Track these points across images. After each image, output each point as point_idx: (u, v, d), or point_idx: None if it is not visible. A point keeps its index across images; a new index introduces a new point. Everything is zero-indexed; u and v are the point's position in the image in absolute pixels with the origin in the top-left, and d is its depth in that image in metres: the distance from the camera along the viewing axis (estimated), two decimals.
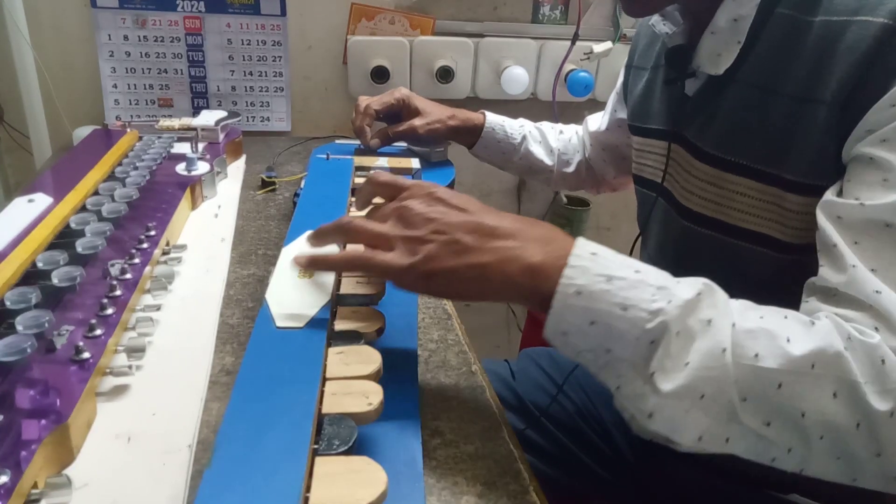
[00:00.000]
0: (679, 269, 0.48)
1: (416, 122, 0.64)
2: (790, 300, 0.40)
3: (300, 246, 0.42)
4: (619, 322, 0.27)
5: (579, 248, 0.29)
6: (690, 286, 0.29)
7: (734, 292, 0.43)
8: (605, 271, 0.28)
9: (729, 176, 0.41)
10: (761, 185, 0.39)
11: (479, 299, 0.30)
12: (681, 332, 0.27)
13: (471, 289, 0.30)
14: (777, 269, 0.40)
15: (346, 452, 0.26)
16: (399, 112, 0.66)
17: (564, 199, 1.04)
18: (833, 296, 0.31)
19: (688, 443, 0.28)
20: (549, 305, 0.28)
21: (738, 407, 0.27)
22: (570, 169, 0.70)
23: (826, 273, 0.32)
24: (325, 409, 0.28)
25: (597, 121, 0.67)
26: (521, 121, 0.70)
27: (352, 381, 0.29)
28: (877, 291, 0.28)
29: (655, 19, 0.47)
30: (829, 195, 0.34)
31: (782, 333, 0.28)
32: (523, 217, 0.32)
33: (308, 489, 0.24)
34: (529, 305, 0.30)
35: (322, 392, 0.28)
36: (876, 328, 0.28)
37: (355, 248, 0.34)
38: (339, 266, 0.36)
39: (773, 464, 0.28)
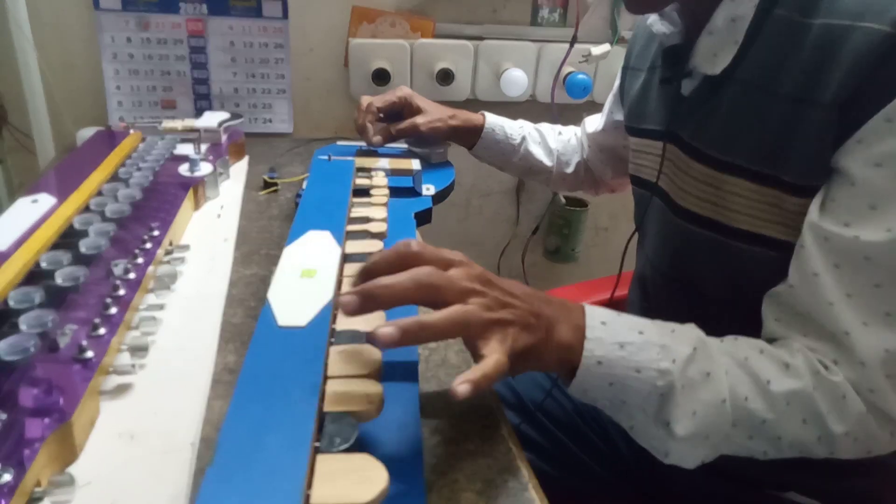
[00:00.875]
0: (675, 267, 0.49)
1: (419, 119, 0.64)
2: None
3: (303, 246, 0.42)
4: (633, 382, 0.32)
5: (591, 319, 0.33)
6: (687, 341, 0.34)
7: (728, 291, 0.43)
8: (618, 338, 0.33)
9: (725, 177, 0.41)
10: (759, 186, 0.39)
11: (530, 371, 0.33)
12: (685, 385, 0.33)
13: (528, 364, 0.32)
14: (773, 269, 0.40)
15: (348, 450, 0.26)
16: (401, 111, 0.66)
17: (563, 200, 1.04)
18: (804, 322, 0.36)
19: (690, 467, 0.35)
20: (571, 372, 0.33)
21: (730, 432, 0.34)
22: (569, 170, 0.70)
23: (801, 296, 0.36)
24: (326, 408, 0.28)
25: (595, 122, 0.68)
26: (521, 122, 0.70)
27: (353, 379, 0.29)
28: (846, 332, 0.34)
29: (653, 19, 0.47)
30: (815, 215, 0.35)
31: (763, 377, 0.34)
32: (536, 290, 0.34)
33: (309, 487, 0.24)
34: (557, 371, 0.34)
35: (323, 390, 0.29)
36: (835, 361, 0.34)
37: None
38: (447, 335, 0.31)
39: (748, 456, 0.36)
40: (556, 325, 0.33)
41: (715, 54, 0.41)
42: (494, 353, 0.29)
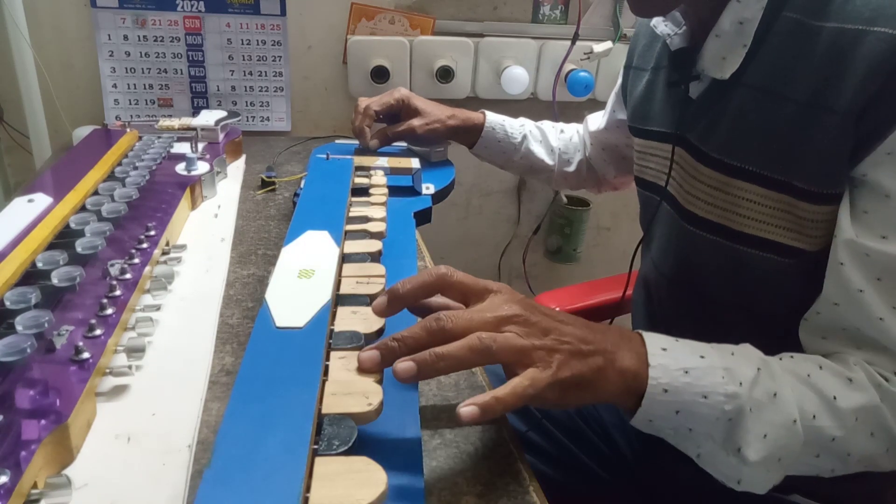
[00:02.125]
0: (681, 272, 0.48)
1: (415, 122, 0.64)
2: (791, 305, 0.40)
3: (301, 246, 0.42)
4: (701, 408, 0.31)
5: (651, 346, 0.32)
6: (749, 362, 0.33)
7: (735, 296, 0.43)
8: (682, 364, 0.32)
9: (735, 181, 0.40)
10: (770, 191, 0.38)
11: (588, 402, 0.32)
12: (753, 408, 0.32)
13: (582, 395, 0.31)
14: (782, 275, 0.40)
15: (346, 452, 0.26)
16: (398, 112, 0.66)
17: (564, 200, 1.04)
18: (856, 337, 0.35)
19: (762, 492, 0.34)
20: (636, 402, 0.32)
21: (800, 452, 0.33)
22: (571, 168, 0.70)
23: (848, 313, 0.35)
24: (324, 410, 0.27)
25: (597, 120, 0.67)
26: (522, 120, 0.70)
27: (352, 381, 0.29)
28: None
29: (656, 20, 0.46)
30: (850, 231, 0.35)
31: (829, 393, 0.33)
32: (586, 320, 0.33)
33: (308, 489, 0.24)
34: (618, 402, 0.32)
35: (322, 392, 0.28)
36: (895, 372, 0.34)
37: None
38: (468, 364, 0.29)
39: (813, 475, 0.35)
40: (617, 353, 0.31)
41: (723, 58, 0.40)
42: (521, 379, 0.28)
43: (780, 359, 0.35)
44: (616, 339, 0.32)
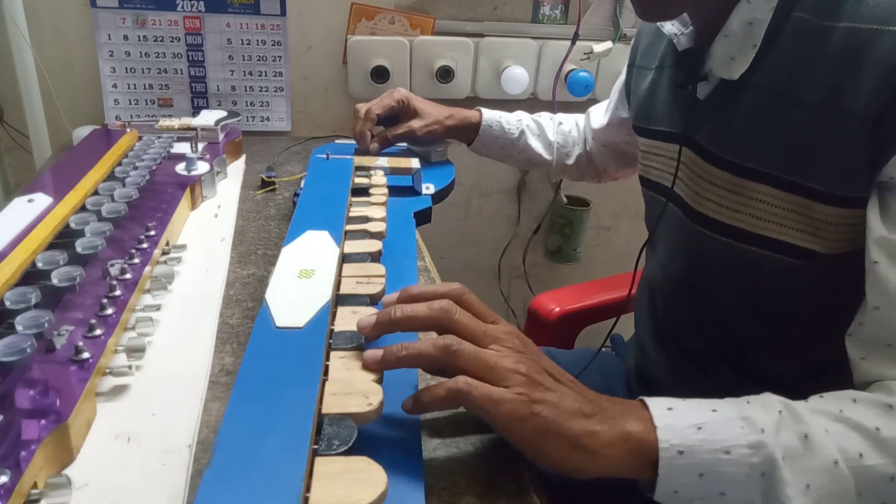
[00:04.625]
0: (689, 274, 0.48)
1: (415, 124, 0.64)
2: (800, 308, 0.39)
3: (301, 246, 0.42)
4: (726, 466, 0.28)
5: (654, 408, 0.30)
6: (768, 408, 0.30)
7: (744, 299, 0.42)
8: (692, 421, 0.29)
9: (747, 182, 0.40)
10: (784, 192, 0.38)
11: (579, 468, 0.29)
12: (785, 456, 0.28)
13: (576, 458, 0.29)
14: (793, 278, 0.39)
15: (346, 452, 0.26)
16: (398, 113, 0.66)
17: (564, 199, 1.04)
18: (887, 348, 0.32)
19: None
20: (652, 472, 0.29)
21: (856, 501, 0.29)
22: (570, 161, 0.70)
23: (890, 316, 0.32)
24: (324, 410, 0.27)
25: (599, 115, 0.67)
26: (519, 114, 0.70)
27: (352, 381, 0.29)
28: None
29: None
30: (882, 230, 0.33)
31: (870, 425, 0.29)
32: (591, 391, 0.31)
33: (308, 489, 0.24)
34: (629, 476, 0.30)
35: (322, 392, 0.28)
36: None
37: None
38: (430, 361, 0.29)
39: None
40: (620, 418, 0.29)
41: (732, 58, 0.40)
42: (477, 385, 0.27)
43: (807, 401, 0.32)
44: (617, 404, 0.30)
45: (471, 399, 0.28)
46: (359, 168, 0.59)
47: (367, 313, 0.34)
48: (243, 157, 0.72)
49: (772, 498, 0.28)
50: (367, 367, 0.30)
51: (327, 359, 0.31)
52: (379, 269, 0.39)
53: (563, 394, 0.29)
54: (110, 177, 0.54)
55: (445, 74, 0.89)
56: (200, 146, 0.64)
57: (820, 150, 0.36)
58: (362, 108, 0.64)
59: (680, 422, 0.29)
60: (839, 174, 0.35)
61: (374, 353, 0.30)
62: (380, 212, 0.49)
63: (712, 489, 0.28)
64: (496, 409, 0.28)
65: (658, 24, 0.48)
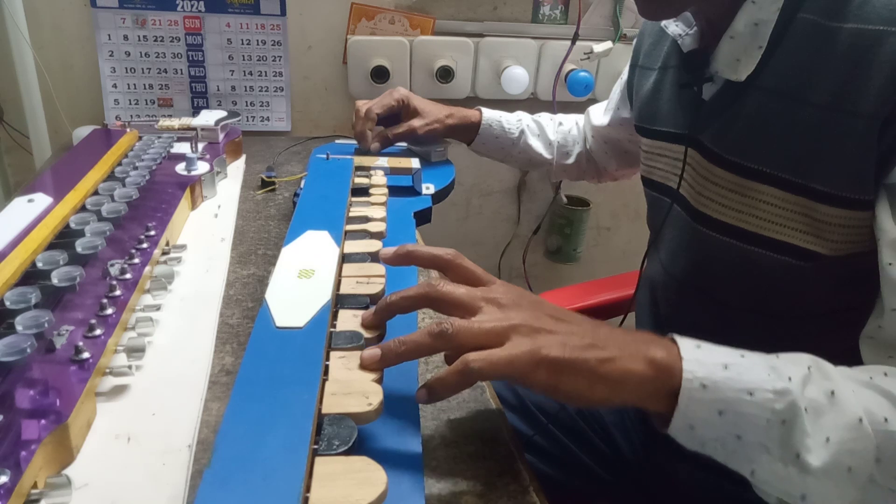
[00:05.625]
0: (692, 274, 0.48)
1: (416, 122, 0.64)
2: (803, 309, 0.39)
3: (301, 246, 0.42)
4: (748, 407, 0.28)
5: (683, 343, 0.29)
6: (798, 362, 0.29)
7: (747, 300, 0.42)
8: (720, 360, 0.29)
9: (751, 183, 0.40)
10: (788, 194, 0.38)
11: (595, 401, 0.28)
12: (808, 408, 0.28)
13: (596, 389, 0.28)
14: (797, 279, 0.39)
15: (346, 452, 0.26)
16: (398, 113, 0.66)
17: (564, 200, 1.04)
18: None
19: None
20: (671, 403, 0.28)
21: (874, 470, 0.28)
22: (570, 161, 0.70)
23: None
24: (324, 409, 0.27)
25: (599, 114, 0.67)
26: (519, 114, 0.70)
27: (352, 381, 0.29)
28: None
29: (667, 20, 0.46)
30: (894, 231, 0.33)
31: None
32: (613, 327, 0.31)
33: (308, 489, 0.24)
34: (649, 404, 0.29)
35: (322, 392, 0.28)
36: None
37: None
38: (427, 350, 0.29)
39: None
40: (645, 347, 0.29)
41: (738, 59, 0.40)
42: (476, 355, 0.27)
43: (837, 367, 0.31)
44: (646, 336, 0.30)
45: (482, 374, 0.27)
46: (359, 168, 0.59)
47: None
48: (243, 157, 0.72)
49: (789, 446, 0.27)
50: (365, 367, 0.30)
51: (327, 359, 0.31)
52: (379, 269, 0.39)
53: (568, 331, 0.29)
54: (110, 177, 0.54)
55: (445, 74, 0.89)
56: (200, 146, 0.64)
57: (826, 152, 0.36)
58: (362, 107, 0.64)
59: (707, 358, 0.28)
60: (845, 176, 0.35)
61: (372, 353, 0.30)
62: (380, 212, 0.49)
63: (730, 430, 0.28)
64: (508, 370, 0.27)
65: (662, 24, 0.48)
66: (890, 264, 0.33)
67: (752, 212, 0.40)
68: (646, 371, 0.28)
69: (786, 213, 0.38)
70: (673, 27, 0.46)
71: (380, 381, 0.29)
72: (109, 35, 0.81)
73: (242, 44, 0.84)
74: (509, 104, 0.92)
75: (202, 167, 0.58)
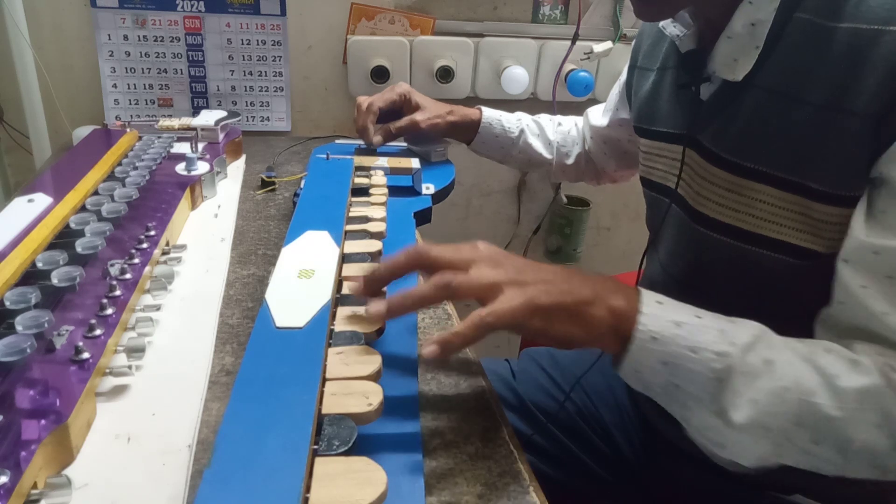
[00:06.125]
0: (691, 274, 0.48)
1: (418, 116, 0.64)
2: (802, 308, 0.39)
3: (301, 246, 0.42)
4: (689, 363, 0.31)
5: (646, 297, 0.33)
6: (748, 329, 0.33)
7: (746, 299, 0.43)
8: (674, 317, 0.32)
9: (748, 182, 0.40)
10: (784, 193, 0.38)
11: (579, 339, 0.32)
12: (745, 372, 0.31)
13: (571, 326, 0.32)
14: (794, 278, 0.39)
15: (346, 453, 0.26)
16: (400, 109, 0.66)
17: (564, 199, 1.04)
18: (865, 335, 0.34)
19: (750, 464, 0.33)
20: (625, 347, 0.32)
21: (793, 432, 0.31)
22: (570, 161, 0.70)
23: (853, 311, 0.34)
24: (325, 410, 0.27)
25: (598, 115, 0.67)
26: (519, 114, 0.70)
27: (352, 381, 0.29)
28: None
29: (665, 21, 0.46)
30: (862, 232, 0.34)
31: (832, 371, 0.32)
32: (582, 270, 0.35)
33: (308, 489, 0.24)
34: (605, 346, 0.33)
35: (322, 392, 0.28)
36: None
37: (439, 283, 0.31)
38: (431, 301, 0.32)
39: (814, 470, 0.33)
40: (609, 294, 0.32)
41: (735, 60, 0.40)
42: (481, 309, 0.30)
43: (788, 339, 0.34)
44: (611, 284, 0.33)
45: (492, 326, 0.30)
46: (359, 168, 0.59)
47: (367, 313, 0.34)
48: (243, 157, 0.72)
49: (719, 401, 0.31)
50: (372, 320, 0.31)
51: (327, 359, 0.31)
52: None
53: (549, 279, 0.32)
54: (110, 177, 0.54)
55: (445, 74, 0.89)
56: (200, 146, 0.64)
57: (822, 150, 0.36)
58: (364, 101, 0.64)
59: (664, 314, 0.32)
60: (840, 174, 0.35)
61: (378, 308, 0.31)
62: (380, 212, 0.49)
63: (671, 379, 0.31)
64: (512, 321, 0.30)
65: (660, 25, 0.48)
66: (845, 261, 0.35)
67: (750, 211, 0.40)
68: (606, 317, 0.32)
69: (783, 211, 0.38)
70: (671, 28, 0.46)
71: (378, 376, 0.29)
72: (109, 35, 0.81)
73: (242, 44, 0.84)
74: (509, 104, 0.92)
75: (202, 167, 0.58)
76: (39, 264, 0.38)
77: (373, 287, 0.33)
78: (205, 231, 0.53)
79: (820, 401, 0.31)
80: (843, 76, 0.35)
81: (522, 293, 0.31)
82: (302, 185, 0.55)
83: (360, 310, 0.35)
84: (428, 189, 0.58)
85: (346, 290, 0.37)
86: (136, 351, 0.34)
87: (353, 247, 0.42)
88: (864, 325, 0.34)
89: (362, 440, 0.27)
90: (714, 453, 0.32)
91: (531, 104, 0.94)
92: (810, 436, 0.31)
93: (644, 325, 0.31)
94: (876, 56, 0.33)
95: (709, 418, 0.32)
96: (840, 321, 0.36)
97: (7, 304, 0.34)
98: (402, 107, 0.65)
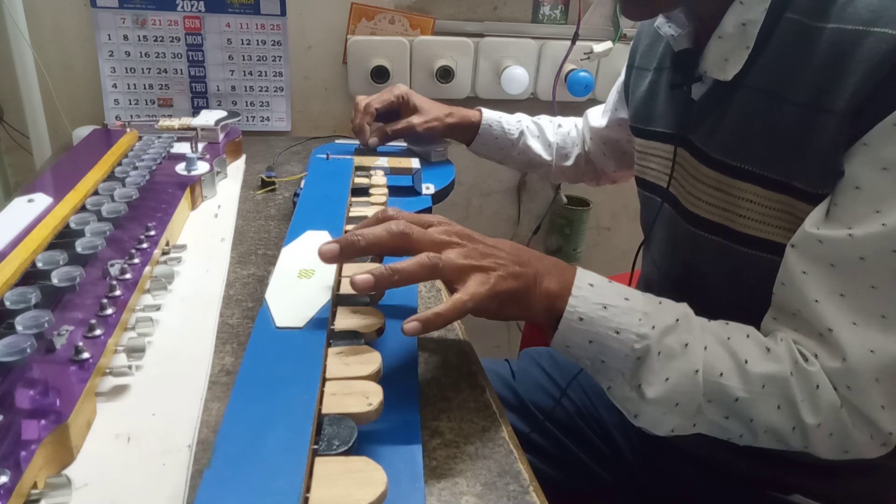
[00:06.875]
0: (683, 273, 0.48)
1: (415, 119, 0.64)
2: None
3: (301, 246, 0.42)
4: (612, 342, 0.34)
5: (579, 280, 0.35)
6: (671, 312, 0.36)
7: (736, 297, 0.43)
8: (602, 300, 0.35)
9: (735, 182, 0.40)
10: (770, 192, 0.38)
11: (521, 317, 0.36)
12: (662, 352, 0.34)
13: (515, 308, 0.35)
14: None
15: (346, 453, 0.26)
16: (397, 110, 0.66)
17: (564, 199, 1.04)
18: (795, 320, 0.36)
19: (663, 433, 0.36)
20: (556, 326, 0.35)
21: (703, 406, 0.35)
22: (569, 162, 0.70)
23: (790, 294, 0.36)
24: (325, 410, 0.27)
25: (597, 116, 0.67)
26: (519, 115, 0.70)
27: (352, 381, 0.29)
28: (829, 329, 0.34)
29: (660, 21, 0.46)
30: (811, 222, 0.35)
31: (742, 356, 0.35)
32: (528, 248, 0.37)
33: (308, 489, 0.24)
34: (540, 323, 0.36)
35: (322, 392, 0.28)
36: (815, 354, 0.35)
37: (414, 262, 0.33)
38: (418, 278, 0.34)
39: (728, 439, 0.37)
40: (546, 277, 0.35)
41: (726, 59, 0.40)
42: (461, 294, 0.32)
43: (714, 322, 0.37)
44: (549, 265, 0.36)
45: (471, 310, 0.33)
46: (359, 168, 0.59)
47: (368, 313, 0.35)
48: (243, 157, 0.72)
49: (636, 377, 0.34)
50: (358, 289, 0.32)
51: (327, 358, 0.31)
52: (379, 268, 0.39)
53: (505, 261, 0.35)
54: (110, 177, 0.54)
55: (445, 74, 0.89)
56: (200, 146, 0.64)
57: (805, 150, 0.36)
58: (362, 101, 0.64)
59: (593, 297, 0.34)
60: (822, 173, 0.36)
61: (365, 278, 0.32)
62: None
63: (596, 354, 0.35)
64: (486, 304, 0.33)
65: (655, 25, 0.48)
66: (793, 246, 0.36)
67: (736, 210, 0.41)
68: (542, 298, 0.35)
69: (768, 210, 0.39)
70: (666, 28, 0.46)
71: (378, 380, 0.29)
72: (109, 35, 0.81)
73: (242, 44, 0.84)
74: (509, 104, 0.92)
75: (202, 167, 0.58)
76: (39, 264, 0.38)
77: (349, 254, 0.34)
78: (205, 231, 0.53)
79: (728, 382, 0.34)
80: (826, 76, 0.35)
81: (487, 279, 0.33)
82: (302, 185, 0.55)
83: (361, 310, 0.35)
84: (428, 189, 0.58)
85: (345, 289, 0.37)
86: (136, 351, 0.34)
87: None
88: (796, 309, 0.36)
89: (362, 440, 0.27)
90: (645, 426, 0.36)
91: (531, 104, 0.94)
92: (720, 412, 0.35)
93: (573, 307, 0.34)
94: (858, 56, 0.34)
95: (627, 391, 0.35)
96: (777, 302, 0.38)
97: (7, 304, 0.34)
98: (400, 108, 0.65)
